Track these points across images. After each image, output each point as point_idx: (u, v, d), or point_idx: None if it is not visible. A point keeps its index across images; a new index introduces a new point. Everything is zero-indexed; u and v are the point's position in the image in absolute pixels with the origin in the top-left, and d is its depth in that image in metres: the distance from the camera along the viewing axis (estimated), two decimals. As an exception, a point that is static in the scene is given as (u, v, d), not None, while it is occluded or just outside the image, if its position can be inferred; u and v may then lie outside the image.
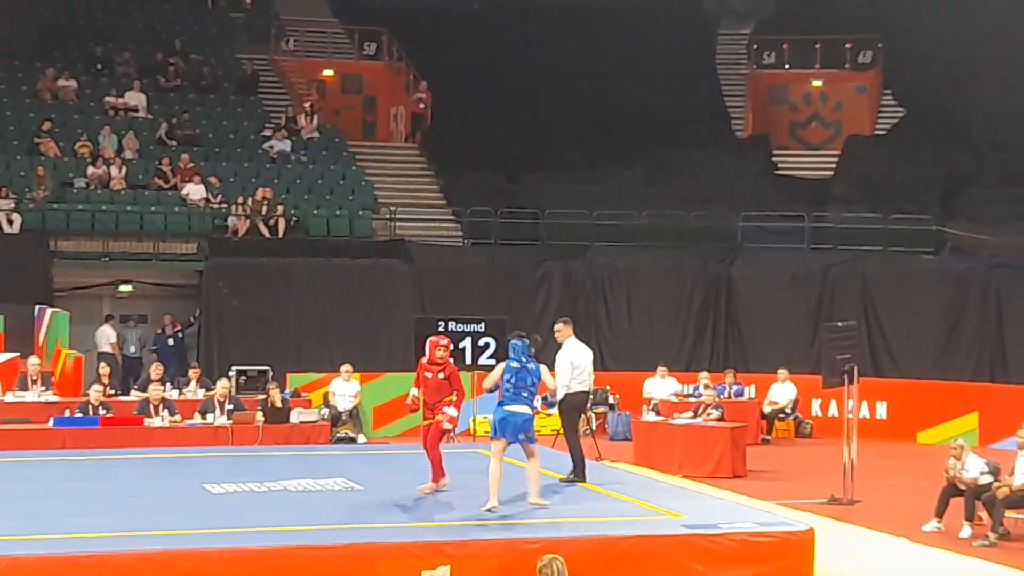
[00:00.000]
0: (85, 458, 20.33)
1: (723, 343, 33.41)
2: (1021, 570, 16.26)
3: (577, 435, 18.66)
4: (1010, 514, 19.13)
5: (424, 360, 17.67)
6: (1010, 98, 38.81)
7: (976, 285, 31.97)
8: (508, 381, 16.54)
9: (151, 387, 24.53)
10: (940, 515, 19.62)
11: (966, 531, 19.14)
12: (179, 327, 32.25)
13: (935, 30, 40.64)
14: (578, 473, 18.30)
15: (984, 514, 19.30)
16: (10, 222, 31.53)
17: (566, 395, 18.44)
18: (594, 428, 27.86)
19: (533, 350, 17.09)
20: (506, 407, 16.48)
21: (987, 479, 19.49)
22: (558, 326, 19.01)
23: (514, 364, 16.64)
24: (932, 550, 17.59)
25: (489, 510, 15.92)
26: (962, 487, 19.55)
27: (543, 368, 17.06)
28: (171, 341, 31.89)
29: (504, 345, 27.01)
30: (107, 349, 31.22)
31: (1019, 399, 28.35)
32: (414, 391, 17.69)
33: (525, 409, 16.57)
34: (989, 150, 38.46)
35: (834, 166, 39.28)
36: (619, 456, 25.14)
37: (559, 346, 18.74)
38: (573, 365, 18.43)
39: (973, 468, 19.61)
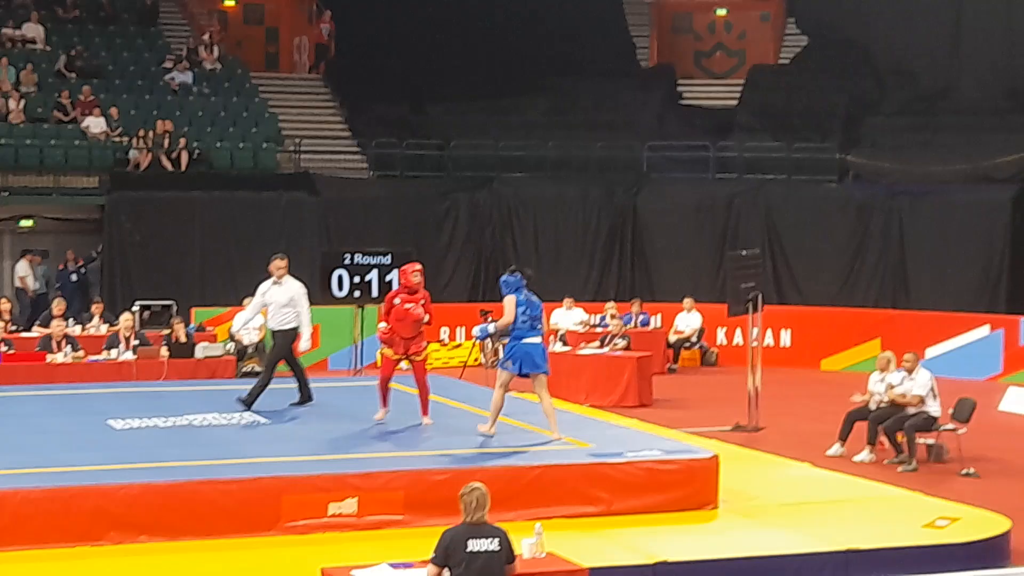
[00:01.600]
0: (-14, 395, 20.10)
1: (629, 273, 33.55)
2: (922, 492, 16.48)
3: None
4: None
5: (396, 290, 17.53)
6: (911, 25, 39.01)
7: (878, 212, 32.24)
8: (523, 314, 16.42)
9: (53, 323, 24.28)
10: (844, 439, 19.85)
11: (865, 455, 19.38)
12: (81, 262, 31.92)
13: (838, -42, 40.78)
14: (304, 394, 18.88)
15: (883, 439, 19.54)
16: (-94, 157, 31.01)
17: (279, 331, 18.62)
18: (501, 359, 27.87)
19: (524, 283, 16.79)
20: (525, 340, 16.43)
21: (935, 408, 19.40)
22: (279, 263, 18.61)
23: (523, 296, 16.53)
24: (835, 474, 17.79)
25: (487, 434, 16.42)
26: (904, 403, 19.42)
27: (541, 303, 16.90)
28: (74, 276, 31.57)
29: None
30: (18, 285, 30.89)
31: (920, 325, 28.79)
32: (383, 324, 17.36)
33: (539, 340, 16.64)
34: (891, 78, 38.71)
35: (738, 95, 39.37)
36: (526, 387, 25.06)
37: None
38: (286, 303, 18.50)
39: (922, 383, 19.43)
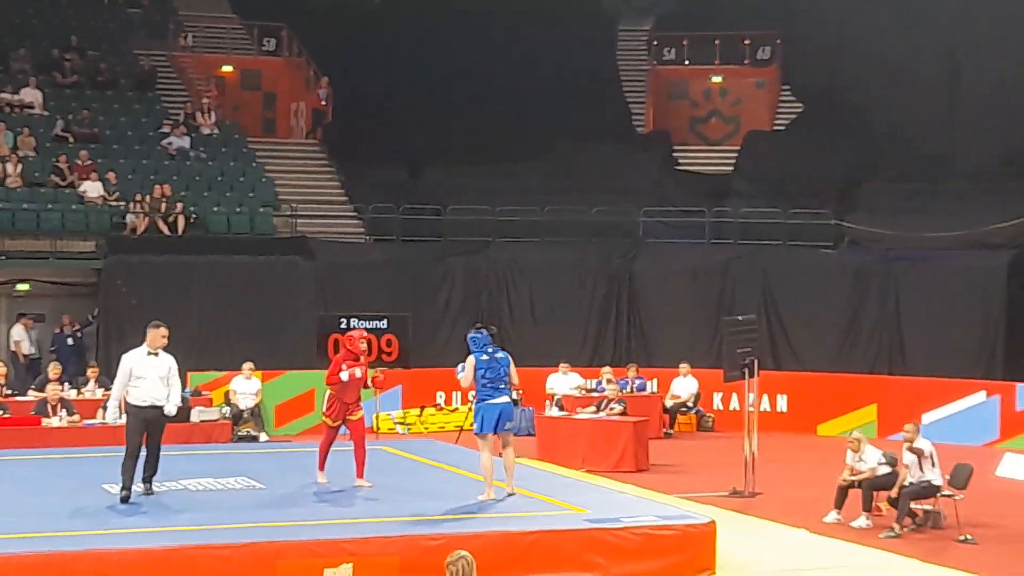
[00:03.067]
0: (-19, 460, 20.04)
1: (625, 338, 33.54)
2: (919, 559, 16.45)
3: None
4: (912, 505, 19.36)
5: (341, 355, 17.63)
6: (906, 92, 39.21)
7: (874, 278, 32.28)
8: (483, 376, 16.76)
9: (49, 387, 24.26)
10: (839, 506, 19.81)
11: (862, 521, 19.34)
12: (78, 326, 31.88)
13: (832, 25, 40.96)
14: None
15: (883, 505, 19.52)
16: (-96, 221, 31.04)
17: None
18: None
19: (491, 340, 17.21)
20: (487, 401, 16.78)
21: (885, 470, 19.72)
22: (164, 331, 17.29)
23: (483, 357, 16.87)
24: (832, 541, 17.75)
25: (487, 500, 16.44)
26: (858, 479, 19.76)
27: (509, 357, 17.16)
28: (70, 340, 31.53)
29: (406, 341, 27.11)
30: (12, 349, 30.88)
31: (917, 391, 28.77)
32: (344, 375, 17.55)
33: (504, 399, 16.90)
34: (886, 144, 38.84)
35: (734, 161, 39.54)
36: (523, 452, 25.03)
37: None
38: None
39: (871, 459, 19.84)
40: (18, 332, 31.37)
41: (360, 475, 17.57)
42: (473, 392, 17.75)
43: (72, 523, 14.87)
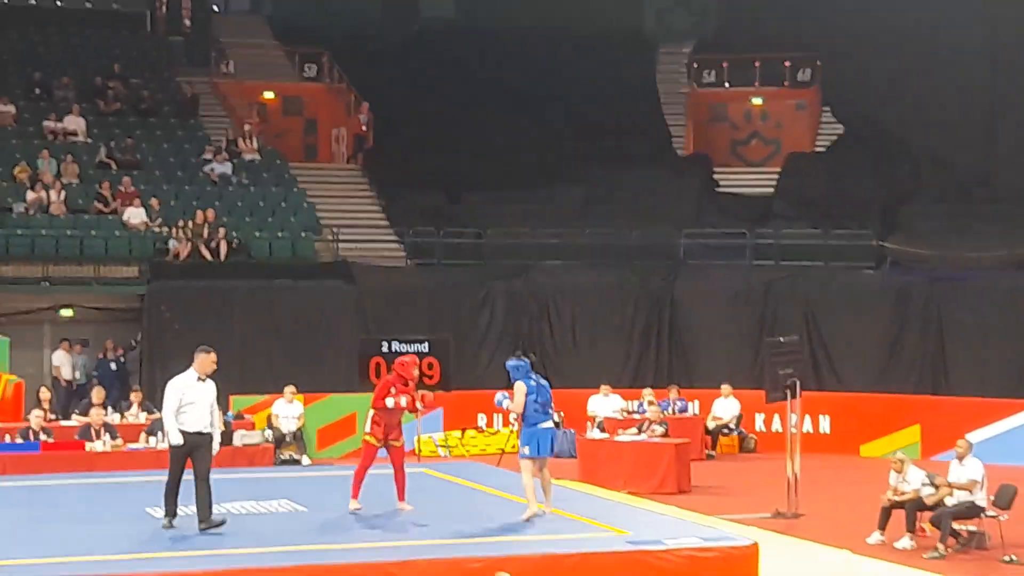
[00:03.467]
0: (26, 484, 20.16)
1: (667, 359, 33.48)
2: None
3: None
4: (956, 525, 19.29)
5: (391, 378, 17.67)
6: (947, 114, 39.15)
7: (916, 299, 32.18)
8: (534, 400, 17.29)
9: (93, 411, 24.38)
10: (883, 527, 19.74)
11: (905, 542, 19.27)
12: (121, 351, 32.07)
13: (873, 47, 40.96)
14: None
15: (927, 526, 19.45)
16: (-51, 247, 31.31)
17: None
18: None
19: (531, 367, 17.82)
20: (540, 425, 17.35)
21: (928, 491, 19.65)
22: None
23: (532, 383, 17.39)
24: (876, 562, 17.68)
25: (529, 519, 16.78)
26: (902, 500, 19.69)
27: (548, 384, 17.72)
28: (113, 365, 31.71)
29: (447, 364, 27.14)
30: (55, 374, 31.09)
31: (960, 411, 28.59)
32: (390, 401, 17.68)
33: (551, 423, 17.53)
34: (927, 166, 38.77)
35: (775, 183, 39.49)
36: (564, 474, 25.10)
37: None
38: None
39: (914, 480, 19.77)
40: (59, 357, 31.58)
41: (402, 498, 17.63)
42: (514, 416, 18.02)
43: (116, 547, 14.93)
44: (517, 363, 17.70)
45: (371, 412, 17.79)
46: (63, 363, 31.51)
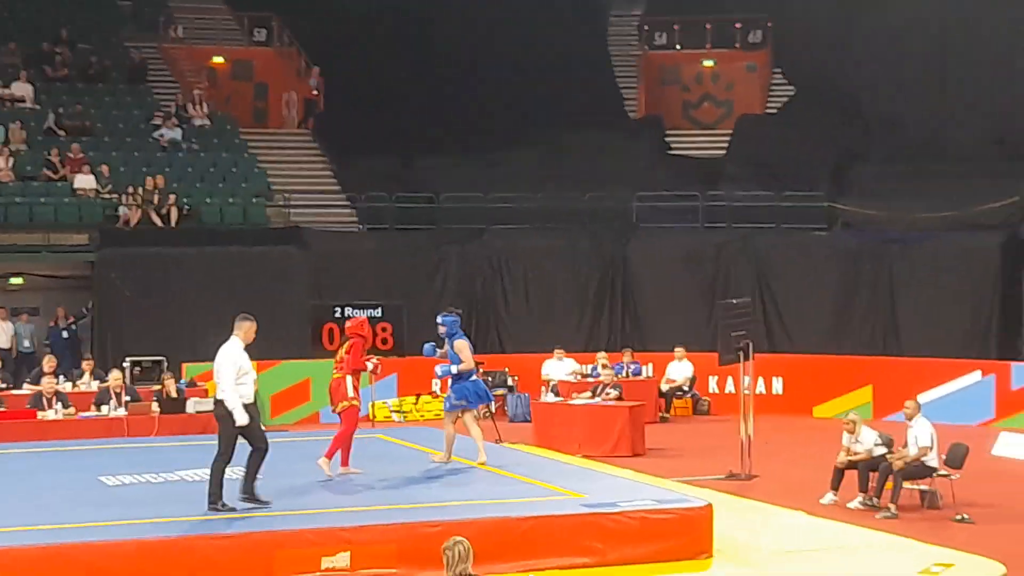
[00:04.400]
0: (-23, 453, 20.04)
1: (620, 323, 33.55)
2: (916, 539, 16.48)
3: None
4: (908, 485, 19.41)
5: (357, 341, 17.83)
6: (897, 74, 39.27)
7: (868, 260, 32.31)
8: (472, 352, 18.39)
9: (44, 380, 24.23)
10: (836, 488, 19.86)
11: (858, 502, 19.39)
12: (72, 319, 31.87)
13: (823, 9, 40.97)
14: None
15: (878, 486, 19.54)
16: None
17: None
18: (493, 410, 27.85)
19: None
20: (475, 378, 18.41)
21: (881, 451, 19.77)
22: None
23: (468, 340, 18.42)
24: (829, 522, 17.78)
25: (483, 464, 17.85)
26: (855, 460, 19.80)
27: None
28: (64, 333, 31.52)
29: (401, 330, 27.10)
30: (5, 344, 30.77)
31: (911, 372, 28.79)
32: (370, 364, 18.03)
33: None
34: (878, 126, 38.88)
35: (726, 145, 39.58)
36: (519, 438, 25.17)
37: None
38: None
39: (867, 440, 19.88)
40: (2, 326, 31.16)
41: (346, 463, 17.67)
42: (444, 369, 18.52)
43: (70, 515, 14.85)
44: (451, 318, 18.36)
45: (349, 378, 17.68)
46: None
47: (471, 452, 18.44)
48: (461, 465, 18.40)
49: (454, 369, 18.37)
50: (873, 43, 40.04)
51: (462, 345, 18.29)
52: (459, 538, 10.61)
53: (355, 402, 17.68)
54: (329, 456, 17.51)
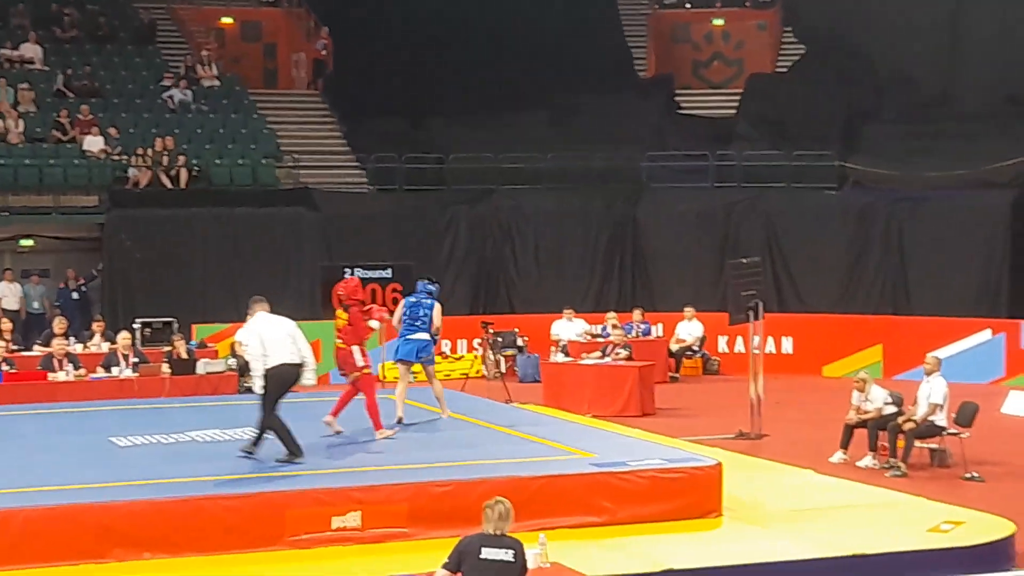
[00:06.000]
0: (-11, 414, 20.10)
1: (630, 283, 33.54)
2: (925, 497, 16.50)
3: (275, 411, 15.98)
4: (918, 444, 19.43)
5: (357, 308, 17.63)
6: (909, 33, 39.08)
7: (878, 219, 32.25)
8: (405, 315, 18.73)
9: (55, 341, 24.27)
10: (845, 446, 19.90)
11: (868, 461, 19.42)
12: (82, 281, 31.91)
13: (832, -34, 40.86)
14: (294, 451, 15.81)
15: (889, 444, 19.57)
16: (-95, 179, 31.00)
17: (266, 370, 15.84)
18: (503, 370, 27.92)
19: (433, 288, 19.04)
20: (403, 336, 18.69)
21: (891, 409, 19.78)
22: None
23: (411, 299, 18.85)
24: (839, 480, 17.81)
25: (398, 421, 18.14)
26: (864, 419, 19.82)
27: (436, 305, 18.80)
28: (75, 295, 31.56)
29: (411, 291, 27.11)
30: (14, 306, 30.76)
31: (922, 331, 28.77)
32: (375, 323, 18.08)
33: (420, 336, 18.62)
34: (889, 85, 38.74)
35: (737, 104, 39.45)
36: (528, 398, 25.20)
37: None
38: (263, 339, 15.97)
39: (877, 399, 19.89)
40: (0, 288, 31.06)
41: (335, 414, 17.74)
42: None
43: (79, 476, 14.88)
44: (419, 282, 19.27)
45: (356, 348, 17.37)
46: (5, 294, 31.07)
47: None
48: (470, 425, 18.44)
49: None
50: (883, 1, 39.84)
51: (437, 310, 18.93)
52: (501, 498, 10.75)
53: (367, 370, 17.60)
54: (377, 428, 17.40)
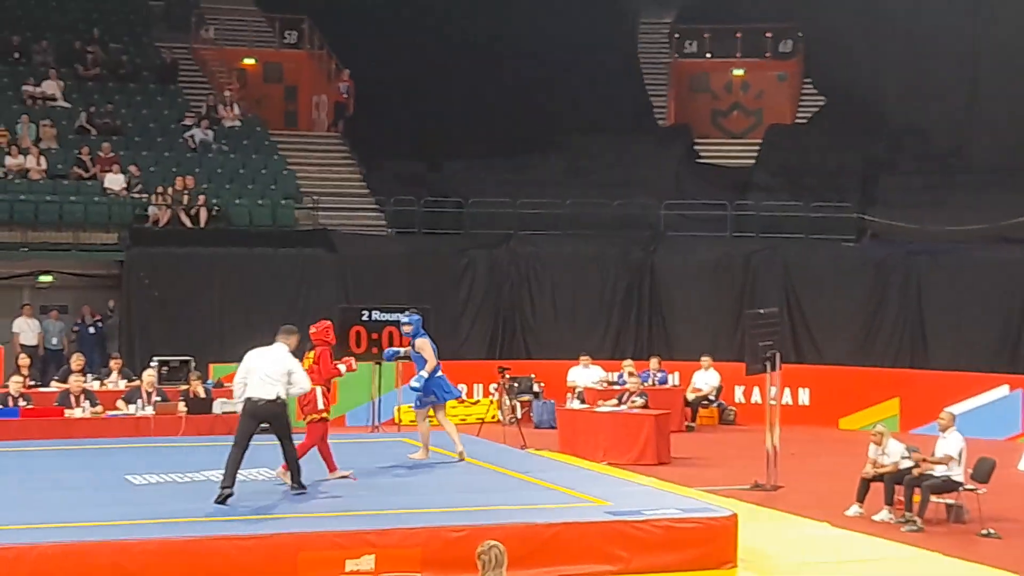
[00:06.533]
0: (5, 450, 20.08)
1: (647, 331, 33.50)
2: (941, 553, 16.43)
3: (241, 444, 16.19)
4: (934, 499, 19.35)
5: (323, 350, 17.57)
6: (926, 85, 39.17)
7: (896, 272, 32.24)
8: (436, 352, 18.64)
9: (72, 377, 24.29)
10: (861, 500, 19.81)
11: (883, 515, 19.33)
12: (99, 317, 31.97)
13: (854, 19, 40.92)
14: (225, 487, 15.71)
15: (905, 499, 19.49)
16: (-73, 213, 31.11)
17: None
18: (519, 416, 27.88)
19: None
20: (439, 374, 18.64)
21: (907, 464, 19.70)
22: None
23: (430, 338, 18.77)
24: (854, 534, 17.73)
25: (460, 455, 18.47)
26: (882, 472, 19.74)
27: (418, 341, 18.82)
28: (92, 330, 31.62)
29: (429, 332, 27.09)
30: (32, 342, 30.79)
31: (939, 385, 28.67)
32: (343, 367, 17.97)
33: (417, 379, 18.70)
34: (906, 137, 38.80)
35: (756, 154, 39.50)
36: (544, 444, 25.17)
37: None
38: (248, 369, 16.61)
39: (894, 453, 19.82)
40: (19, 324, 31.04)
41: (333, 468, 17.58)
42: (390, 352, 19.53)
43: (94, 513, 14.89)
44: (419, 318, 18.98)
45: (319, 389, 17.41)
46: (23, 329, 31.14)
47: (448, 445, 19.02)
48: (484, 470, 18.41)
49: (424, 373, 18.64)
50: (902, 55, 39.94)
51: (423, 344, 18.58)
52: (493, 542, 10.64)
53: (325, 415, 17.54)
54: (332, 469, 17.41)
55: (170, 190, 32.91)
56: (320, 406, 17.36)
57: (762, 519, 18.30)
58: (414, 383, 18.84)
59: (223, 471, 15.77)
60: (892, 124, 39.54)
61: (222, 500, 15.45)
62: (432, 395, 18.71)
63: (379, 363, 25.86)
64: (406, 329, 18.91)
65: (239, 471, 15.88)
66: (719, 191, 36.27)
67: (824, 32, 41.95)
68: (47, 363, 30.66)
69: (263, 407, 16.16)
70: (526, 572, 13.45)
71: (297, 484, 16.43)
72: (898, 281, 32.17)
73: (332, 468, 17.49)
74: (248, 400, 16.24)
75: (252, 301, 31.63)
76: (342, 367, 17.83)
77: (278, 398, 16.23)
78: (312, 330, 17.79)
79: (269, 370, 16.29)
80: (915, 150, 38.08)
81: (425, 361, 18.61)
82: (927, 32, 39.51)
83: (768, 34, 42.95)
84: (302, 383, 16.52)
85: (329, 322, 18.22)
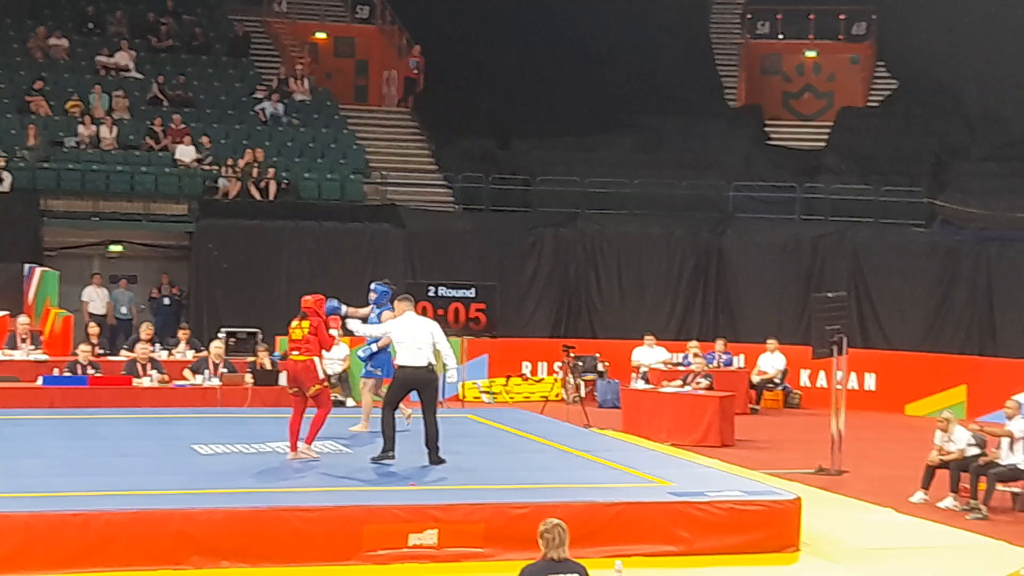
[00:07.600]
0: (73, 417, 20.30)
1: (713, 312, 33.42)
2: (1006, 541, 16.32)
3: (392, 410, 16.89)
4: (1000, 487, 19.22)
5: (318, 321, 17.25)
6: (1001, 70, 38.81)
7: (966, 258, 31.97)
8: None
9: (139, 346, 24.45)
10: (927, 487, 19.69)
11: (949, 502, 19.21)
12: (176, 289, 32.17)
13: (927, 1, 40.57)
14: (387, 449, 16.67)
15: (971, 486, 19.37)
16: (0, 180, 31.39)
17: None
18: (583, 395, 27.87)
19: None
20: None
21: (974, 451, 19.56)
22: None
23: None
24: (919, 521, 17.64)
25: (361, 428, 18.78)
26: (948, 459, 19.62)
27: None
28: (167, 301, 31.85)
29: (494, 311, 27.12)
30: (100, 311, 31.06)
31: (1007, 372, 28.37)
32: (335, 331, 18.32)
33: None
34: (980, 122, 38.45)
35: (826, 137, 39.25)
36: (607, 424, 25.15)
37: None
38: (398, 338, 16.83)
39: (960, 440, 19.68)
40: (88, 293, 31.28)
41: (310, 441, 17.21)
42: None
43: (160, 482, 15.03)
44: (387, 290, 19.14)
45: (317, 360, 17.00)
46: (92, 298, 31.42)
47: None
48: (548, 448, 18.41)
49: (375, 347, 18.79)
50: (978, 37, 39.57)
51: (388, 316, 18.21)
52: (556, 520, 10.63)
53: (326, 384, 17.40)
54: (309, 441, 17.09)
55: (240, 163, 33.09)
56: (320, 376, 17.17)
57: (826, 504, 18.22)
58: (361, 352, 19.21)
59: (380, 436, 16.62)
60: (967, 109, 39.17)
61: (381, 460, 16.41)
62: (380, 369, 18.87)
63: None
64: (371, 296, 19.09)
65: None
66: (789, 174, 36.10)
67: (898, 15, 41.61)
68: (116, 332, 30.92)
69: (416, 373, 16.64)
70: (588, 551, 13.41)
71: (436, 458, 16.64)
72: (967, 267, 31.91)
73: (295, 448, 17.02)
74: (401, 368, 16.74)
75: (319, 275, 31.72)
76: (335, 332, 18.10)
77: (429, 365, 16.65)
78: (308, 300, 17.39)
79: (418, 339, 16.68)
80: (990, 136, 37.71)
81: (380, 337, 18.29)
82: (1002, 15, 39.11)
83: (841, 16, 42.62)
84: (446, 346, 16.94)
85: (322, 295, 17.92)
